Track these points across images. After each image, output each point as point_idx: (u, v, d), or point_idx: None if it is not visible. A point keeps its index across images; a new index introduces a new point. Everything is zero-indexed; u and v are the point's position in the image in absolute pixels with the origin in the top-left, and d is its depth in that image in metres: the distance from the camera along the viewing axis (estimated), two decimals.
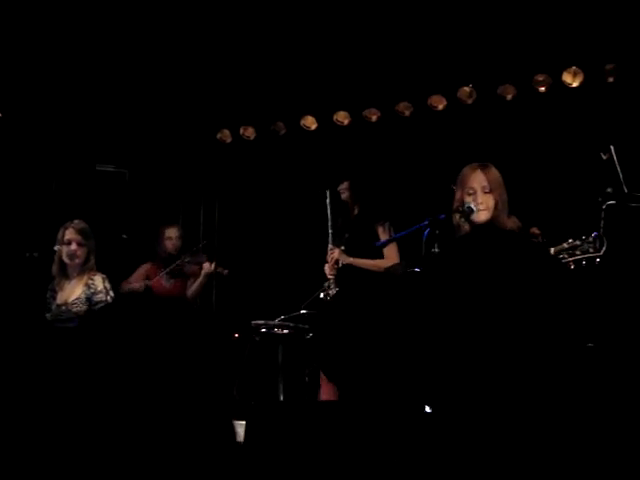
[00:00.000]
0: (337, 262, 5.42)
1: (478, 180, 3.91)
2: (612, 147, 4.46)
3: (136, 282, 6.41)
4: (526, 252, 1.26)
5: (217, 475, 1.30)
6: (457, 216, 3.91)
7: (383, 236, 5.35)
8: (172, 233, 6.49)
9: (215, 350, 6.39)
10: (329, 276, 5.43)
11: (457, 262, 1.24)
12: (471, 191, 3.90)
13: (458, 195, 3.93)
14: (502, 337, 1.28)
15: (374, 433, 1.76)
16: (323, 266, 5.50)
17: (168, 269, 6.34)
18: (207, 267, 6.26)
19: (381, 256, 5.33)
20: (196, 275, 6.37)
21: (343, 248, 5.44)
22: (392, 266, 5.14)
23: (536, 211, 5.04)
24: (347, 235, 5.50)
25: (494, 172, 3.95)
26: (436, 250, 3.67)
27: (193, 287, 6.38)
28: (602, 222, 4.03)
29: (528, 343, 1.30)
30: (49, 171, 7.12)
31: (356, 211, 5.55)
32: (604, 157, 4.46)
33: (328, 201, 5.60)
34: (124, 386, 1.11)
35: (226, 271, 6.36)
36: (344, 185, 5.61)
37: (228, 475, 1.33)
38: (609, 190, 4.26)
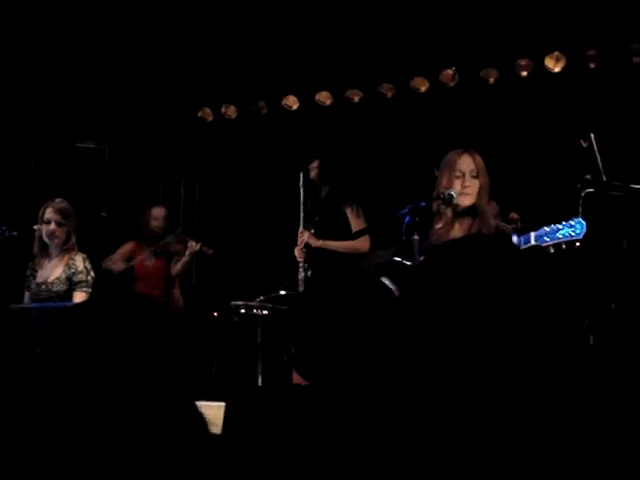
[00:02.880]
0: (306, 245, 5.41)
1: (466, 164, 3.94)
2: (592, 135, 4.49)
3: (119, 261, 6.39)
4: (508, 255, 1.28)
5: (194, 460, 1.31)
6: (438, 203, 3.94)
7: (352, 218, 5.34)
8: (159, 213, 6.49)
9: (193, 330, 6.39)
10: (299, 259, 5.41)
11: (442, 266, 1.26)
12: (459, 174, 3.92)
13: (445, 180, 3.95)
14: (491, 334, 1.30)
15: (355, 418, 1.77)
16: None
17: (152, 248, 6.34)
18: (193, 246, 6.24)
19: (351, 238, 5.34)
20: (180, 254, 6.36)
21: (313, 231, 5.43)
22: (375, 253, 5.14)
23: (515, 196, 5.08)
24: (317, 218, 5.48)
25: (479, 157, 4.00)
26: (416, 237, 3.70)
27: (178, 266, 6.37)
28: (580, 209, 4.06)
29: (517, 340, 1.32)
30: (28, 148, 7.06)
31: (324, 192, 5.54)
32: (584, 145, 4.48)
33: (301, 183, 5.57)
34: (95, 371, 1.12)
35: (211, 251, 6.35)
36: (314, 163, 5.59)
37: (205, 461, 1.34)
38: (588, 177, 4.28)
